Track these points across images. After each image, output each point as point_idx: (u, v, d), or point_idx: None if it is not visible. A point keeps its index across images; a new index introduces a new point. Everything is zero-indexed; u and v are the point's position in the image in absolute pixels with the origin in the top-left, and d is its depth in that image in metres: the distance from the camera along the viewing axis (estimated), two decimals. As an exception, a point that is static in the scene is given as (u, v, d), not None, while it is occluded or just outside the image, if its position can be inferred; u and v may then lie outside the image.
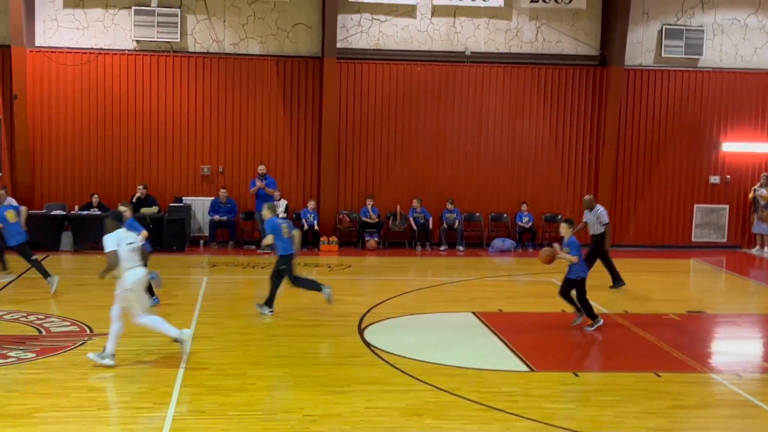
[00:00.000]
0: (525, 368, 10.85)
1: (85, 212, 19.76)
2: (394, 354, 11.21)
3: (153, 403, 9.08)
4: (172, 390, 9.50)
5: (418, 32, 21.43)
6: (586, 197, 16.63)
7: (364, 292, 16.06)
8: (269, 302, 13.57)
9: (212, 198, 20.89)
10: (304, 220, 20.87)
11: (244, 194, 20.72)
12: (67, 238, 19.54)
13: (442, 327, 13.07)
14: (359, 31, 21.21)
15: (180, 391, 9.46)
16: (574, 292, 12.88)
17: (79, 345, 11.40)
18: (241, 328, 12.70)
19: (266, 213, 13.73)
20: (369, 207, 21.11)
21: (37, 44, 20.18)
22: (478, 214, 21.90)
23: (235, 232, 20.89)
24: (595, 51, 21.90)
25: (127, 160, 20.84)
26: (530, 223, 21.70)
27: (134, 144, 20.83)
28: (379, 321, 13.21)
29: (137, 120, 20.78)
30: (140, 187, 20.22)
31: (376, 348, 11.56)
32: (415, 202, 21.33)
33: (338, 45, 20.83)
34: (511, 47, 21.73)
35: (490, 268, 18.81)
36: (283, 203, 20.86)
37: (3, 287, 15.14)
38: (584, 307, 12.88)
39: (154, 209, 20.07)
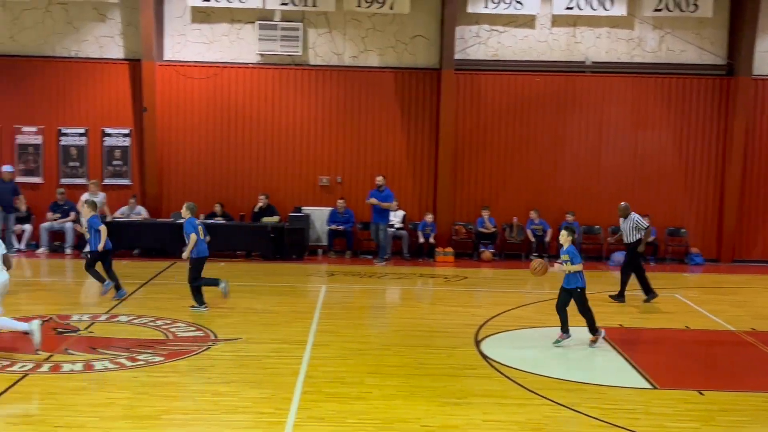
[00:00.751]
0: (647, 385, 10.61)
1: (210, 221, 20.34)
2: (511, 367, 11.14)
3: (274, 408, 9.28)
4: (293, 396, 9.69)
5: (538, 42, 21.26)
6: (622, 204, 16.13)
7: (480, 303, 16.00)
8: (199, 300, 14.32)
9: (330, 208, 21.21)
10: (420, 233, 20.94)
11: (362, 204, 20.92)
12: (192, 245, 20.10)
13: (560, 341, 12.89)
14: (477, 42, 21.21)
15: (300, 398, 9.64)
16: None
17: (204, 350, 11.75)
18: (358, 336, 12.84)
19: (185, 213, 14.79)
20: (485, 217, 21.04)
21: (165, 58, 20.95)
22: (597, 226, 21.54)
23: (353, 241, 21.14)
24: (721, 60, 21.27)
25: (250, 171, 21.39)
26: (652, 237, 21.19)
27: (256, 155, 21.37)
28: (495, 333, 13.14)
29: (259, 131, 21.31)
30: (262, 197, 20.71)
31: (493, 360, 11.51)
32: (532, 214, 21.15)
33: (456, 56, 20.88)
34: (633, 57, 21.32)
35: (610, 282, 18.44)
36: (400, 214, 21.02)
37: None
38: (587, 319, 12.32)
39: (275, 219, 20.52)
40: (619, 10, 20.99)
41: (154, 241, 20.27)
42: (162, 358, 11.26)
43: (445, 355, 11.88)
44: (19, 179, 20.91)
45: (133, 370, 10.72)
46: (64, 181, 21.05)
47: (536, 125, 21.43)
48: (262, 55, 21.08)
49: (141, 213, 20.63)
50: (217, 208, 20.68)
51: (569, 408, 9.49)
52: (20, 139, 20.98)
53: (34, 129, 20.99)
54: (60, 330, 12.63)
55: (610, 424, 9.02)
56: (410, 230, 21.22)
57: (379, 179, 20.32)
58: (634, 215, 15.87)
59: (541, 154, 21.50)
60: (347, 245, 21.13)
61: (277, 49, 20.91)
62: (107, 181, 21.16)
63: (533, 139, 21.48)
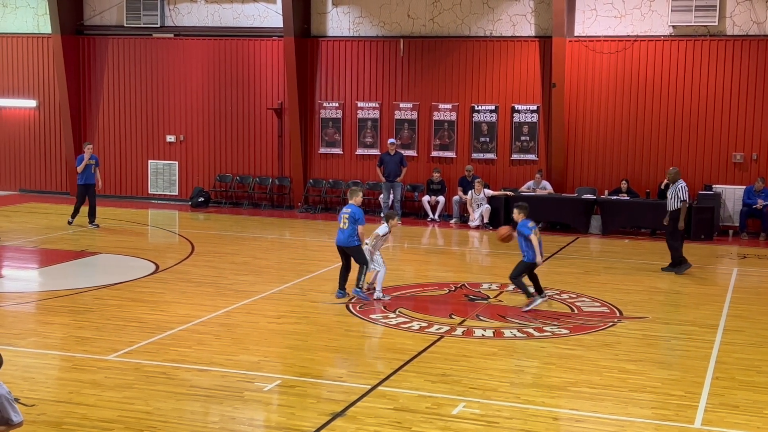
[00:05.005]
0: None
1: (614, 197, 20.18)
2: None
3: (684, 391, 9.03)
4: (704, 381, 9.35)
5: None
6: (671, 169, 15.98)
7: None
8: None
9: (744, 186, 19.98)
10: None
11: (781, 184, 19.42)
12: (596, 221, 20.12)
13: None
14: None
15: (711, 383, 9.28)
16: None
17: (610, 326, 11.73)
18: (775, 325, 12.04)
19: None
20: None
21: (575, 34, 21.00)
22: None
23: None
24: None
25: (657, 147, 20.81)
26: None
27: (665, 130, 20.72)
28: None
29: (669, 106, 20.63)
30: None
31: None
32: None
33: None
34: None
35: None
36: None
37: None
38: (535, 285, 12.80)
39: (683, 196, 19.77)
40: None
41: (559, 215, 20.55)
42: (568, 331, 11.44)
43: None
44: (434, 154, 22.29)
45: (540, 340, 11.02)
46: (474, 156, 22.04)
47: None
48: (674, 26, 20.34)
49: (546, 187, 20.98)
50: (623, 185, 20.39)
51: None
52: (436, 115, 22.31)
53: (449, 106, 22.20)
54: (471, 297, 13.33)
55: None
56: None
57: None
58: (681, 183, 15.54)
59: None
60: (762, 226, 19.77)
61: (691, 19, 20.05)
62: (514, 157, 21.79)
63: None
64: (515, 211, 13.01)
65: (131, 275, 14.52)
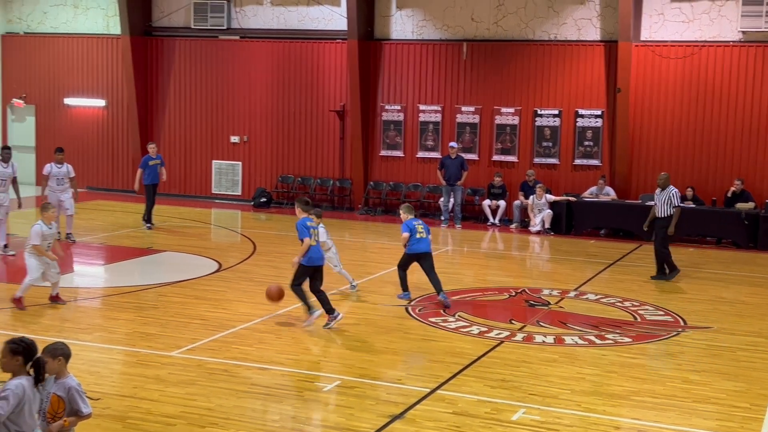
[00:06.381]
0: None
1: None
2: None
3: (749, 403, 8.87)
4: (770, 394, 9.19)
5: None
6: (662, 174, 15.54)
7: None
8: None
9: (815, 196, 19.52)
10: None
11: None
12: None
13: None
14: None
15: (779, 397, 9.11)
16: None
17: (674, 335, 11.56)
18: None
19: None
20: None
21: (642, 38, 20.73)
22: None
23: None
24: None
25: (725, 154, 20.42)
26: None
27: (732, 137, 20.33)
28: None
29: (737, 113, 20.22)
30: (737, 181, 19.67)
31: None
32: None
33: None
34: None
35: None
36: None
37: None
38: (321, 298, 11.48)
39: (750, 205, 19.40)
40: None
41: (622, 222, 20.28)
42: (630, 339, 11.30)
43: None
44: (496, 158, 22.19)
45: (601, 348, 10.90)
46: (536, 160, 21.88)
47: None
48: (744, 32, 19.95)
49: (609, 194, 20.73)
50: (689, 192, 20.02)
51: None
52: (498, 119, 22.20)
53: (511, 110, 22.08)
54: (531, 302, 13.24)
55: None
56: None
57: None
58: (673, 189, 15.24)
59: None
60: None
61: (761, 25, 19.62)
62: (577, 162, 21.57)
63: None
64: (299, 211, 11.59)
65: (194, 273, 14.73)
